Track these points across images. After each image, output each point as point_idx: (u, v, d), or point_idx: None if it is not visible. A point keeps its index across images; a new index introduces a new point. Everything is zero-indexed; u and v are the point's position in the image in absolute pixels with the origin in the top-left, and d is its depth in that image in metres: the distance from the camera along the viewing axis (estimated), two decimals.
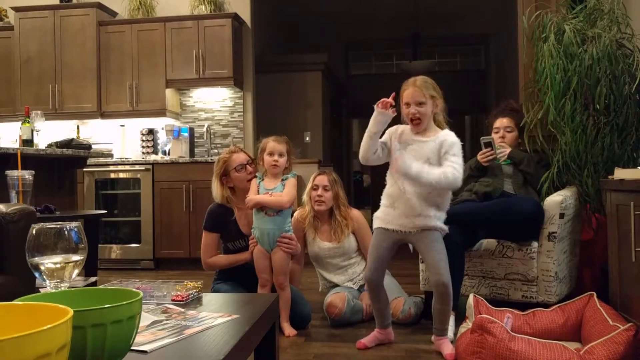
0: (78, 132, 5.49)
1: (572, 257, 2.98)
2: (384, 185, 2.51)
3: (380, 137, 2.43)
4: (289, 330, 2.75)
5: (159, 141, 5.56)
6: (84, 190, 5.05)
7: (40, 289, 1.76)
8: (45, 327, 0.64)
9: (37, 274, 1.12)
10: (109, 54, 5.38)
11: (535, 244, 2.78)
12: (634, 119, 2.90)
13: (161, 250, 4.95)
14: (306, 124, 7.54)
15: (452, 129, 2.46)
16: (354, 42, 10.20)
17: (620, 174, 2.44)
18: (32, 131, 3.63)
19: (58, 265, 1.11)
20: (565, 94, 2.92)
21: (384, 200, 2.47)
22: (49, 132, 5.16)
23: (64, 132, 5.36)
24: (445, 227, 2.42)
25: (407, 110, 2.39)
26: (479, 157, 3.01)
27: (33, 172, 2.90)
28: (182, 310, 1.43)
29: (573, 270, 3.02)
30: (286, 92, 7.47)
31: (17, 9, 5.45)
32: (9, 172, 2.84)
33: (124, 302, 0.90)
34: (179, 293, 1.57)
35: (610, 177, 2.53)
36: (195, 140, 5.61)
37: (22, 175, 2.83)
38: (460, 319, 2.61)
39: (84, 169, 4.92)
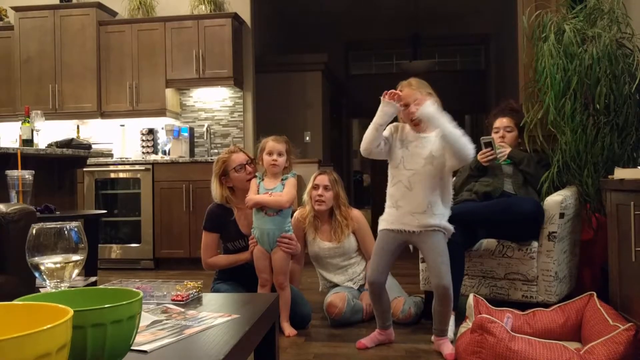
0: (78, 132, 5.49)
1: (572, 257, 2.98)
2: (384, 185, 2.51)
3: None
4: (289, 330, 2.75)
5: (159, 141, 5.56)
6: (84, 190, 5.05)
7: (40, 289, 1.76)
8: (45, 327, 0.64)
9: (37, 274, 1.12)
10: (109, 54, 5.38)
11: (535, 244, 2.78)
12: (634, 119, 2.90)
13: (161, 250, 4.95)
14: (306, 124, 7.54)
15: None
16: (354, 42, 10.20)
17: (620, 173, 2.44)
18: (32, 131, 3.63)
19: (58, 265, 1.11)
20: (565, 94, 2.92)
21: (387, 201, 2.48)
22: (49, 132, 5.16)
23: (64, 132, 5.36)
24: (451, 227, 2.42)
25: (406, 111, 2.40)
26: (479, 157, 3.01)
27: (33, 172, 2.90)
28: (182, 310, 1.43)
29: (573, 270, 3.02)
30: (286, 92, 7.47)
31: (17, 9, 5.45)
32: (9, 172, 2.84)
33: (124, 302, 0.90)
34: (179, 293, 1.57)
35: (610, 176, 2.53)
36: (195, 140, 5.61)
37: (22, 175, 2.83)
38: (460, 318, 2.61)
39: (84, 169, 4.92)
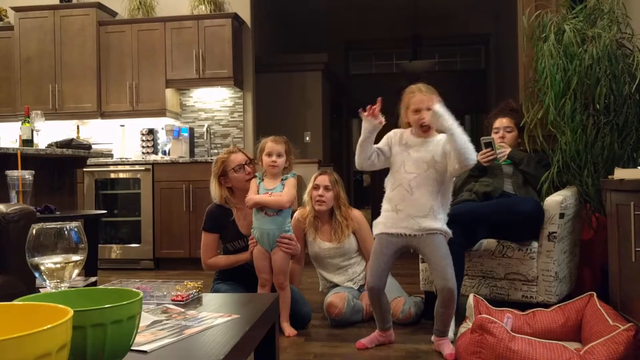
0: (78, 132, 5.49)
1: (572, 257, 2.98)
2: (384, 185, 2.51)
3: (376, 142, 2.43)
4: (289, 330, 2.75)
5: (159, 141, 5.56)
6: (84, 190, 5.05)
7: (40, 289, 1.76)
8: (45, 327, 0.64)
9: (37, 274, 1.12)
10: (109, 54, 5.38)
11: (535, 244, 2.78)
12: (634, 119, 2.90)
13: (161, 250, 4.95)
14: (306, 124, 7.54)
15: None
16: (354, 42, 10.20)
17: (620, 173, 2.44)
18: (32, 131, 3.63)
19: (58, 265, 1.11)
20: (565, 94, 2.92)
21: (385, 205, 2.46)
22: (49, 132, 5.16)
23: (64, 132, 5.36)
24: (449, 231, 2.42)
25: (417, 117, 2.38)
26: (479, 157, 3.00)
27: (33, 172, 2.90)
28: (182, 310, 1.43)
29: (573, 270, 3.02)
30: (286, 92, 7.47)
31: (17, 9, 5.45)
32: (9, 172, 2.84)
33: (124, 302, 0.90)
34: (179, 293, 1.57)
35: (610, 177, 2.53)
36: (195, 140, 5.61)
37: (22, 175, 2.83)
38: (460, 319, 2.61)
39: (84, 169, 4.92)
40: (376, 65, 10.83)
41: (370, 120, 2.32)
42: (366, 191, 10.80)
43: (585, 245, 3.17)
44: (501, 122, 3.16)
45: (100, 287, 1.13)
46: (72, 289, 1.06)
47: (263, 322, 1.40)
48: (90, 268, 3.18)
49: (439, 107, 2.28)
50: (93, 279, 2.59)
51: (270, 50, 7.76)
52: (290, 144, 2.80)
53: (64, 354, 0.70)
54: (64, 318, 0.69)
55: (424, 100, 2.37)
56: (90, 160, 4.64)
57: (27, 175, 2.86)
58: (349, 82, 10.25)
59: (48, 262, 1.11)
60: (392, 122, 2.53)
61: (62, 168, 3.70)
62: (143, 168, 4.99)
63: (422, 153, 2.39)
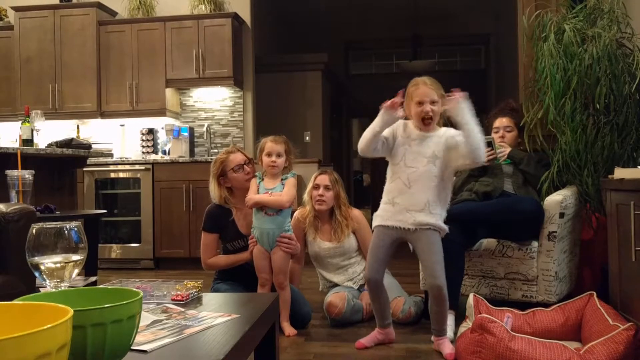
0: (78, 132, 5.49)
1: (572, 256, 2.98)
2: (384, 185, 2.51)
3: None
4: (289, 330, 2.75)
5: (159, 141, 5.56)
6: (84, 190, 5.05)
7: (40, 289, 1.76)
8: (45, 327, 0.64)
9: (37, 274, 1.12)
10: (108, 54, 5.38)
11: (535, 244, 2.78)
12: (634, 119, 2.90)
13: (161, 250, 4.95)
14: (306, 124, 7.54)
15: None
16: (354, 42, 10.20)
17: (620, 173, 2.44)
18: (32, 131, 3.63)
19: (58, 265, 1.11)
20: (565, 94, 2.92)
21: (384, 197, 2.47)
22: (49, 132, 5.16)
23: (64, 132, 5.36)
24: (446, 227, 2.42)
25: (420, 109, 2.38)
26: None
27: (33, 171, 2.90)
28: (182, 309, 1.43)
29: (573, 270, 3.02)
30: (286, 92, 7.47)
31: (17, 9, 5.45)
32: (9, 172, 2.84)
33: (124, 302, 0.90)
34: (179, 293, 1.57)
35: (610, 176, 2.53)
36: (195, 140, 5.61)
37: (22, 175, 2.83)
38: (460, 318, 2.61)
39: (84, 169, 4.92)
40: (376, 65, 10.83)
41: (390, 112, 2.32)
42: (366, 191, 10.80)
43: (585, 245, 3.17)
44: (501, 122, 3.17)
45: (100, 286, 1.13)
46: (72, 288, 1.06)
47: (263, 322, 1.40)
48: (90, 268, 3.18)
49: (465, 101, 2.29)
50: (93, 278, 2.59)
51: (270, 50, 7.76)
52: (290, 144, 2.80)
53: (64, 354, 0.70)
54: (64, 318, 0.69)
55: (428, 93, 2.37)
56: (90, 160, 4.64)
57: (27, 175, 2.86)
58: (349, 82, 10.24)
59: (48, 261, 1.11)
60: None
61: (62, 168, 3.70)
62: (143, 168, 4.99)
63: (423, 147, 2.39)
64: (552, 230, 2.74)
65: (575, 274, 3.07)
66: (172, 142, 5.33)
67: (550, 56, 2.95)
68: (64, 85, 5.38)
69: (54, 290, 1.12)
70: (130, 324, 0.91)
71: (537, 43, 3.10)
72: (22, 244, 1.14)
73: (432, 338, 2.49)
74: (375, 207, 2.59)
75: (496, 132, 3.15)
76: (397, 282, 3.13)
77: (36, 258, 1.11)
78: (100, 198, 5.12)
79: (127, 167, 5.05)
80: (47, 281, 1.12)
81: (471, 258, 2.90)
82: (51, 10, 5.40)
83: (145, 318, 1.30)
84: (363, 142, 2.39)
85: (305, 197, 3.13)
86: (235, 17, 5.31)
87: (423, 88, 2.38)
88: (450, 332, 2.51)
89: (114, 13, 5.64)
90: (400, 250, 2.52)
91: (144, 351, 1.06)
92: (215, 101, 5.63)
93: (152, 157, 5.23)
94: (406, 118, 2.44)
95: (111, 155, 5.34)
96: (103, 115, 5.41)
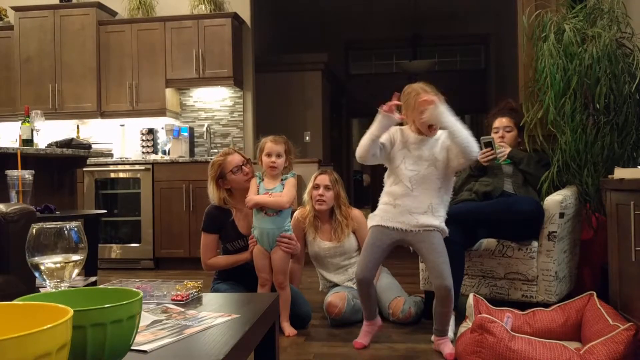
0: (78, 132, 5.49)
1: (572, 256, 2.98)
2: (383, 185, 2.51)
3: None
4: (289, 330, 2.75)
5: (158, 141, 5.56)
6: (84, 190, 5.05)
7: (40, 289, 1.76)
8: (45, 327, 0.64)
9: (37, 274, 1.12)
10: (108, 54, 5.38)
11: (535, 244, 2.78)
12: (634, 119, 2.90)
13: (161, 250, 4.95)
14: (306, 124, 7.55)
15: None
16: (354, 42, 10.20)
17: (620, 173, 2.44)
18: (32, 131, 3.63)
19: (58, 265, 1.11)
20: (565, 94, 2.92)
21: (384, 198, 2.46)
22: (49, 132, 5.16)
23: (64, 132, 5.36)
24: (446, 229, 2.42)
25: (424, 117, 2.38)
26: (479, 157, 3.01)
27: (33, 172, 2.90)
28: (182, 310, 1.43)
29: (573, 270, 3.02)
30: (286, 92, 7.47)
31: (17, 9, 5.45)
32: (9, 172, 2.84)
33: (124, 302, 0.90)
34: (178, 293, 1.57)
35: (610, 176, 2.53)
36: (195, 140, 5.62)
37: (22, 175, 2.83)
38: (460, 318, 2.61)
39: (84, 169, 4.92)
40: (376, 65, 10.83)
41: (388, 116, 2.31)
42: (366, 191, 10.81)
43: (585, 245, 3.17)
44: (501, 122, 3.17)
45: (100, 286, 1.13)
46: (72, 288, 1.06)
47: (263, 322, 1.40)
48: (90, 268, 3.18)
49: (441, 105, 2.29)
50: (93, 278, 2.59)
51: (270, 50, 7.76)
52: (290, 144, 2.80)
53: (64, 354, 0.70)
54: (64, 318, 0.69)
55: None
56: (90, 160, 4.64)
57: (27, 175, 2.86)
58: (348, 82, 10.25)
59: (48, 261, 1.11)
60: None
61: (62, 168, 3.70)
62: (143, 168, 4.99)
63: (423, 151, 2.39)
64: (552, 230, 2.74)
65: (575, 274, 3.07)
66: (172, 142, 5.33)
67: (550, 56, 2.95)
68: (64, 85, 5.38)
69: (54, 290, 1.12)
70: (130, 324, 0.91)
71: (537, 43, 3.10)
72: (22, 244, 1.14)
73: (433, 338, 2.48)
74: (375, 207, 2.58)
75: (496, 132, 3.15)
76: (397, 282, 3.13)
77: (36, 258, 1.11)
78: (100, 198, 5.12)
79: (127, 167, 5.05)
80: (47, 281, 1.12)
81: (471, 258, 2.90)
82: (51, 10, 5.40)
83: (145, 318, 1.30)
84: (362, 148, 2.37)
85: (305, 197, 3.13)
86: (235, 17, 5.31)
87: (425, 96, 2.37)
88: (450, 332, 2.50)
89: (114, 13, 5.65)
90: (400, 250, 2.51)
91: (144, 351, 1.06)
92: (215, 101, 5.63)
93: (152, 157, 5.23)
94: (400, 124, 2.44)
95: (111, 155, 5.34)
96: (103, 115, 5.41)
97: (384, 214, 2.43)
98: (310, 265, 3.32)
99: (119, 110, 5.38)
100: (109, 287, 1.18)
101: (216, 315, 1.36)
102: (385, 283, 3.04)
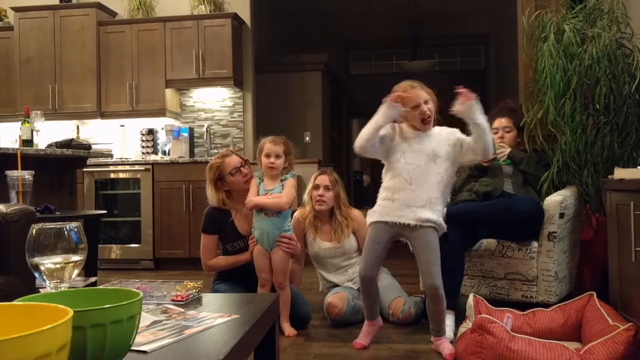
0: (78, 132, 5.49)
1: (572, 257, 2.98)
2: (381, 182, 2.51)
3: None
4: (289, 330, 2.75)
5: (158, 141, 5.56)
6: (84, 190, 5.05)
7: (40, 289, 1.76)
8: (45, 327, 0.64)
9: (37, 274, 1.12)
10: (108, 54, 5.38)
11: (535, 244, 2.78)
12: (634, 119, 2.90)
13: (161, 250, 4.95)
14: (306, 124, 7.55)
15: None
16: (354, 42, 10.21)
17: (620, 173, 2.44)
18: (32, 131, 3.63)
19: (58, 266, 1.11)
20: (565, 94, 2.92)
21: (383, 194, 2.45)
22: (49, 132, 5.17)
23: (63, 132, 5.36)
24: (444, 225, 2.41)
25: (418, 112, 2.39)
26: None
27: (33, 172, 2.90)
28: (182, 310, 1.43)
29: (573, 270, 3.02)
30: (286, 92, 7.47)
31: (17, 9, 5.45)
32: (9, 172, 2.84)
33: (124, 302, 0.90)
34: (178, 293, 1.57)
35: (610, 176, 2.53)
36: (195, 140, 5.62)
37: (22, 175, 2.83)
38: (460, 319, 2.61)
39: (84, 169, 4.92)
40: (376, 66, 10.83)
41: (395, 107, 2.32)
42: (366, 191, 10.81)
43: (585, 245, 3.17)
44: (500, 123, 3.17)
45: (100, 287, 1.13)
46: (72, 289, 1.06)
47: (263, 322, 1.40)
48: (90, 268, 3.18)
49: (476, 102, 2.31)
50: (93, 279, 2.59)
51: (270, 50, 7.76)
52: (289, 144, 2.79)
53: (64, 354, 0.70)
54: (64, 318, 0.69)
55: (419, 94, 2.39)
56: (90, 161, 4.64)
57: (27, 175, 2.86)
58: (348, 82, 10.25)
59: (48, 262, 1.11)
60: None
61: (62, 168, 3.70)
62: (143, 168, 4.99)
63: (423, 145, 2.40)
64: (552, 230, 2.74)
65: (575, 274, 3.07)
66: (172, 143, 5.33)
67: (550, 56, 2.95)
68: (63, 85, 5.38)
69: (53, 290, 1.12)
70: (130, 324, 0.91)
71: (537, 43, 3.10)
72: (22, 244, 1.14)
73: (432, 339, 2.48)
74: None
75: (495, 133, 3.15)
76: (397, 282, 3.13)
77: (36, 258, 1.11)
78: (100, 198, 5.12)
79: (127, 167, 5.05)
80: (47, 282, 1.12)
81: (471, 258, 2.90)
82: (51, 11, 5.41)
83: (145, 319, 1.30)
84: (363, 138, 2.37)
85: (305, 197, 3.13)
86: (235, 17, 5.31)
87: (413, 92, 2.39)
88: (450, 332, 2.51)
89: (113, 13, 5.65)
90: (400, 250, 2.51)
91: (144, 352, 1.06)
92: (215, 101, 5.63)
93: (152, 157, 5.23)
94: (394, 121, 2.45)
95: (111, 155, 5.34)
96: (103, 115, 5.41)
97: (383, 209, 2.43)
98: (310, 266, 3.32)
99: (118, 110, 5.38)
100: (109, 287, 1.19)
101: (216, 315, 1.36)
102: (386, 283, 3.03)
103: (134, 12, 5.50)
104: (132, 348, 0.99)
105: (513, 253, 2.81)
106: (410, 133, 2.43)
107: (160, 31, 5.31)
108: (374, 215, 2.46)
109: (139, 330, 0.98)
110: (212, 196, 2.90)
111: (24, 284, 1.98)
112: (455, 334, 2.52)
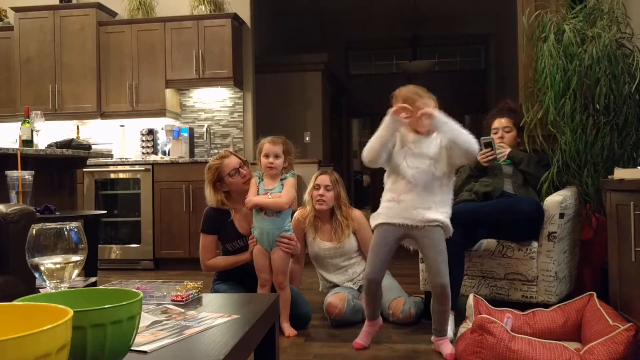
0: (78, 133, 5.49)
1: (572, 257, 2.98)
2: (383, 186, 2.51)
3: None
4: (289, 330, 2.75)
5: (158, 141, 5.56)
6: (84, 191, 5.05)
7: (40, 289, 1.76)
8: (45, 328, 0.64)
9: (37, 274, 1.12)
10: (108, 54, 5.38)
11: (535, 244, 2.78)
12: (634, 119, 2.90)
13: (161, 250, 4.95)
14: (306, 124, 7.55)
15: None
16: (354, 42, 10.21)
17: (620, 173, 2.44)
18: (32, 131, 3.63)
19: (58, 266, 1.11)
20: (565, 94, 2.92)
21: (387, 195, 2.45)
22: (49, 133, 5.16)
23: (63, 133, 5.36)
24: (450, 226, 2.41)
25: (427, 122, 2.38)
26: (479, 157, 3.01)
27: (33, 172, 2.90)
28: (182, 310, 1.43)
29: (573, 270, 3.02)
30: (286, 92, 7.47)
31: (17, 9, 5.45)
32: (9, 173, 2.84)
33: (124, 303, 0.90)
34: (178, 293, 1.57)
35: (610, 176, 2.53)
36: (195, 140, 5.62)
37: (22, 175, 2.83)
38: (460, 319, 2.61)
39: (84, 169, 4.92)
40: (376, 66, 10.83)
41: (399, 119, 2.32)
42: (366, 191, 10.81)
43: (585, 245, 3.17)
44: (500, 123, 3.17)
45: (100, 287, 1.13)
46: (72, 289, 1.06)
47: (263, 323, 1.40)
48: (90, 268, 3.18)
49: (439, 116, 2.30)
50: (93, 279, 2.59)
51: (270, 50, 7.76)
52: (289, 144, 2.79)
53: (64, 354, 0.70)
54: (64, 318, 0.69)
55: (426, 103, 2.37)
56: (90, 161, 4.64)
57: (27, 175, 2.86)
58: (348, 82, 10.25)
59: (48, 262, 1.11)
60: None
61: (62, 168, 3.70)
62: (143, 168, 4.99)
63: (423, 149, 2.40)
64: (552, 230, 2.74)
65: (575, 274, 3.07)
66: (172, 143, 5.33)
67: (550, 56, 2.95)
68: (63, 85, 5.38)
69: (53, 290, 1.12)
70: (130, 324, 0.91)
71: (537, 43, 3.10)
72: (22, 244, 1.14)
73: (432, 338, 2.48)
74: (375, 207, 2.57)
75: (495, 133, 3.15)
76: (397, 282, 3.13)
77: (36, 259, 1.11)
78: (100, 199, 5.12)
79: (127, 167, 5.05)
80: (47, 282, 1.12)
81: (471, 258, 2.90)
82: (51, 11, 5.40)
83: (145, 319, 1.30)
84: (372, 152, 2.37)
85: (306, 197, 3.13)
86: (235, 17, 5.31)
87: (420, 103, 2.38)
88: (450, 332, 2.50)
89: (113, 13, 5.65)
90: (400, 250, 2.51)
91: (144, 352, 1.06)
92: (215, 102, 5.63)
93: (152, 157, 5.23)
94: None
95: (111, 155, 5.34)
96: (103, 115, 5.41)
97: (388, 211, 2.42)
98: (310, 266, 3.32)
99: (118, 110, 5.38)
100: (109, 287, 1.19)
101: (216, 315, 1.36)
102: (386, 283, 3.02)
103: (134, 12, 5.50)
104: (132, 348, 0.99)
105: (513, 253, 2.81)
106: (412, 137, 2.43)
107: (160, 31, 5.31)
108: (379, 217, 2.45)
109: (139, 331, 0.98)
110: (210, 197, 2.89)
111: (24, 284, 1.98)
112: (455, 334, 2.52)
